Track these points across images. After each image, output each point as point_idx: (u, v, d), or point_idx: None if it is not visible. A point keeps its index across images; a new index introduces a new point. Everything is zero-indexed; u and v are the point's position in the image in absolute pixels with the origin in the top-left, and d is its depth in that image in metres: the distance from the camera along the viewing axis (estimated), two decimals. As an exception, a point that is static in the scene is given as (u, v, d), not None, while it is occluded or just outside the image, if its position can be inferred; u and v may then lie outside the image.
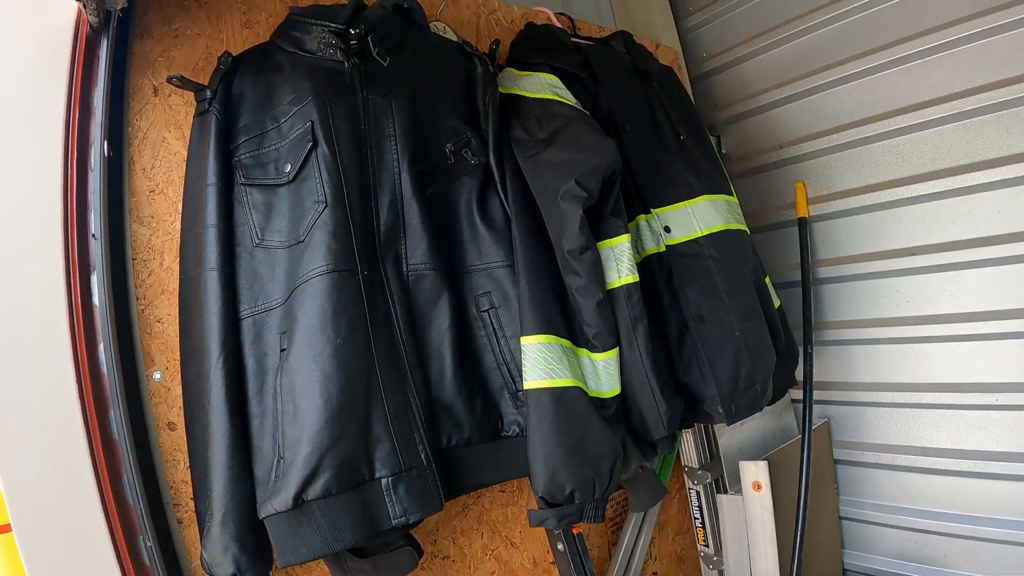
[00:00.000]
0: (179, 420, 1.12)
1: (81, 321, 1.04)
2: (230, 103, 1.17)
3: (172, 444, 1.12)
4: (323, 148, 1.10)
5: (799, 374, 1.90)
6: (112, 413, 1.04)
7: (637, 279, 1.26)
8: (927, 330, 1.95)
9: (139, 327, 1.13)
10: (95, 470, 1.01)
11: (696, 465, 1.88)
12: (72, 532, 0.99)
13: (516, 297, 1.20)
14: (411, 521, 1.04)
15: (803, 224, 2.06)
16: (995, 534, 1.87)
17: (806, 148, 2.11)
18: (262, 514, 1.01)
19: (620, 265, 1.24)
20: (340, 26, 1.19)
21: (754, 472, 1.78)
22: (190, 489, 1.10)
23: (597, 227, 1.25)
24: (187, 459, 1.11)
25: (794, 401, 2.22)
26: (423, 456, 1.07)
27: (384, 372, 1.06)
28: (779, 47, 2.15)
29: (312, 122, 1.11)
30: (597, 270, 1.21)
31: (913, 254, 1.94)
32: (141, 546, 1.04)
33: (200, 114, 1.17)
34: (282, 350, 1.05)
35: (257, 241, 1.11)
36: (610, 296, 1.24)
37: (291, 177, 1.11)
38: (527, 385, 1.15)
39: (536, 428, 1.14)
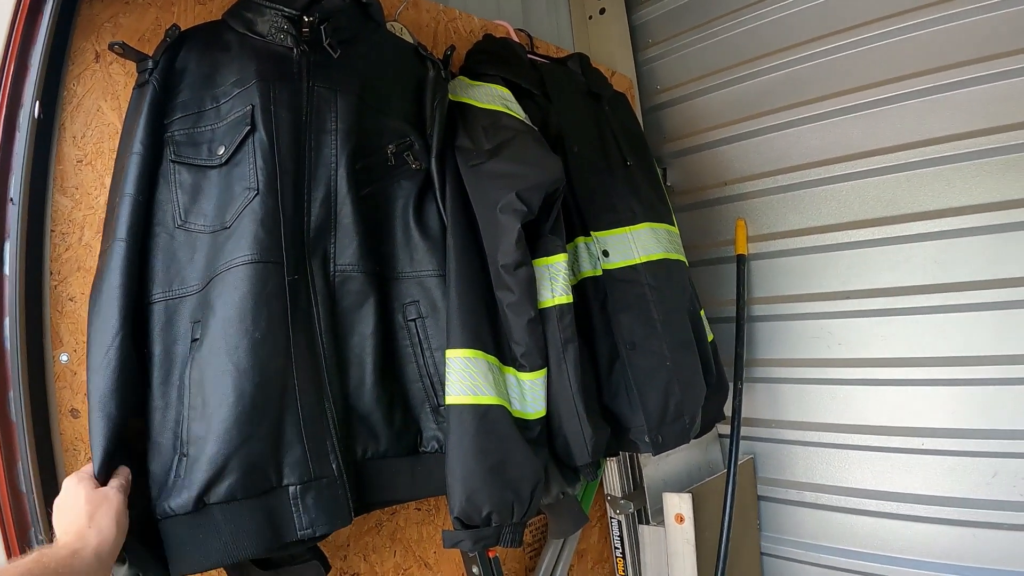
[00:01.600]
0: (83, 407, 1.05)
1: None
2: (171, 77, 1.11)
3: (74, 432, 1.05)
4: (260, 134, 1.05)
5: (727, 409, 1.91)
6: (12, 394, 0.97)
7: (571, 300, 1.24)
8: (856, 372, 1.98)
9: (49, 304, 1.06)
10: None
11: (619, 494, 1.86)
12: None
13: (445, 309, 1.16)
14: (318, 534, 0.99)
15: (742, 261, 2.09)
16: (915, 575, 1.90)
17: (750, 187, 2.14)
18: (157, 514, 0.94)
19: (555, 284, 1.22)
20: (294, 12, 1.15)
21: (677, 504, 1.77)
22: None
23: (534, 244, 1.23)
24: (87, 450, 1.03)
25: (721, 436, 2.23)
26: (334, 466, 1.01)
27: (301, 373, 1.00)
28: (732, 86, 2.19)
29: (253, 106, 1.06)
30: (531, 287, 1.19)
31: (848, 297, 1.99)
32: (32, 539, 0.97)
33: (139, 85, 1.11)
34: (194, 340, 0.99)
35: (179, 222, 1.05)
36: (542, 315, 1.22)
37: (223, 160, 1.06)
38: (449, 400, 1.11)
39: (456, 446, 1.10)
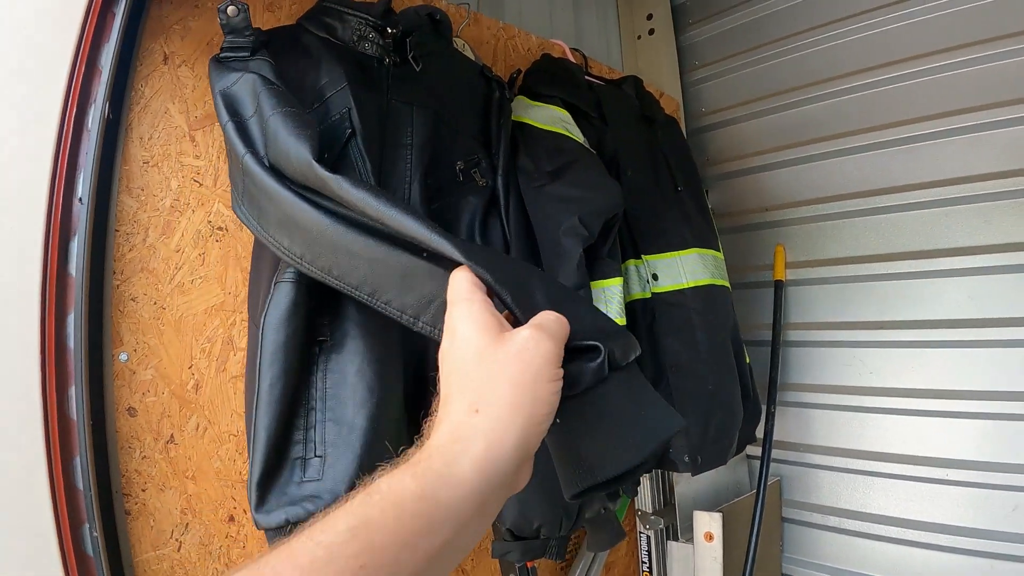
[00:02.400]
0: (140, 406, 1.08)
1: (54, 288, 0.98)
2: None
3: (130, 431, 1.07)
4: (359, 139, 1.06)
5: (759, 431, 1.93)
6: (73, 391, 0.98)
7: (624, 323, 1.28)
8: (886, 402, 2.00)
9: (112, 304, 1.07)
10: (48, 448, 0.96)
11: (650, 510, 1.89)
12: (15, 510, 0.93)
13: None
14: None
15: (779, 287, 2.11)
16: None
17: (790, 214, 2.17)
18: None
19: (610, 307, 1.26)
20: (378, 21, 1.16)
21: (708, 523, 1.80)
22: (142, 479, 1.06)
23: (591, 266, 1.26)
24: (143, 448, 1.07)
25: (749, 457, 2.26)
26: None
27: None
28: (777, 113, 2.21)
29: (349, 108, 1.06)
30: (589, 309, 1.22)
31: (882, 328, 2.01)
32: (86, 535, 0.98)
33: (229, 60, 1.04)
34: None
35: None
36: (596, 338, 1.25)
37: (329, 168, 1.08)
38: None
39: None
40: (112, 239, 1.08)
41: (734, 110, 2.31)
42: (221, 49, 1.05)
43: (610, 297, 1.26)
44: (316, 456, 0.96)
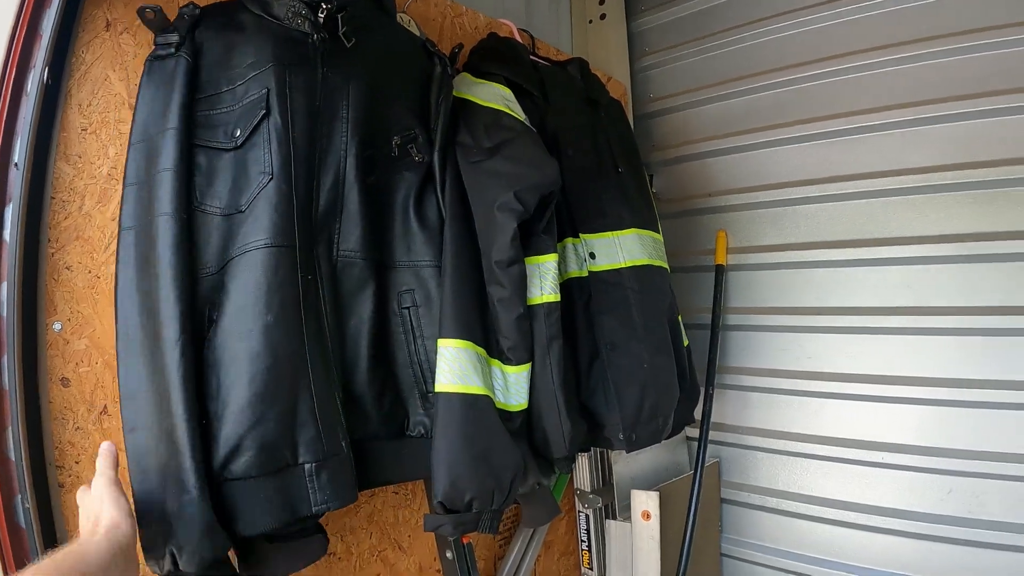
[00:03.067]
0: (73, 376, 1.06)
1: None
2: (195, 54, 1.11)
3: (63, 401, 1.05)
4: (276, 118, 1.07)
5: (698, 412, 1.97)
6: (5, 360, 0.97)
7: (558, 299, 1.29)
8: (824, 386, 2.07)
9: (46, 272, 1.05)
10: None
11: (588, 489, 1.92)
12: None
13: (439, 299, 1.20)
14: (330, 508, 1.02)
15: (720, 271, 2.15)
16: None
17: (733, 200, 2.21)
18: None
19: (544, 283, 1.27)
20: None
21: (645, 501, 1.83)
22: (76, 451, 1.04)
23: (527, 242, 1.27)
24: (76, 419, 1.05)
25: (688, 439, 2.30)
26: (344, 444, 1.05)
27: (313, 355, 1.03)
28: (723, 101, 2.25)
29: (268, 90, 1.08)
30: (521, 285, 1.23)
31: (820, 314, 2.07)
32: (18, 506, 0.97)
33: (160, 58, 1.10)
34: (210, 322, 1.01)
35: (196, 204, 1.06)
36: (530, 312, 1.26)
37: (239, 143, 1.07)
38: (439, 387, 1.15)
39: (443, 432, 1.14)
40: (48, 206, 1.06)
41: (681, 97, 2.34)
42: (154, 46, 1.09)
43: (544, 273, 1.28)
44: None
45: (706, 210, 2.28)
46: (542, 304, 1.27)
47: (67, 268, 1.07)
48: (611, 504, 1.96)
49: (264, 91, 1.08)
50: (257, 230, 1.02)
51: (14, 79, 1.00)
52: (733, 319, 2.21)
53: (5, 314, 0.98)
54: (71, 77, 1.09)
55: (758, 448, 2.23)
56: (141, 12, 1.09)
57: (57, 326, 1.05)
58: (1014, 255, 1.77)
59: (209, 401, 0.98)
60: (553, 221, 1.32)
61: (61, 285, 1.07)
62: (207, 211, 1.06)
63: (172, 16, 1.14)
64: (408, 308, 1.20)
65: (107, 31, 1.13)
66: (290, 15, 1.15)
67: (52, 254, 1.06)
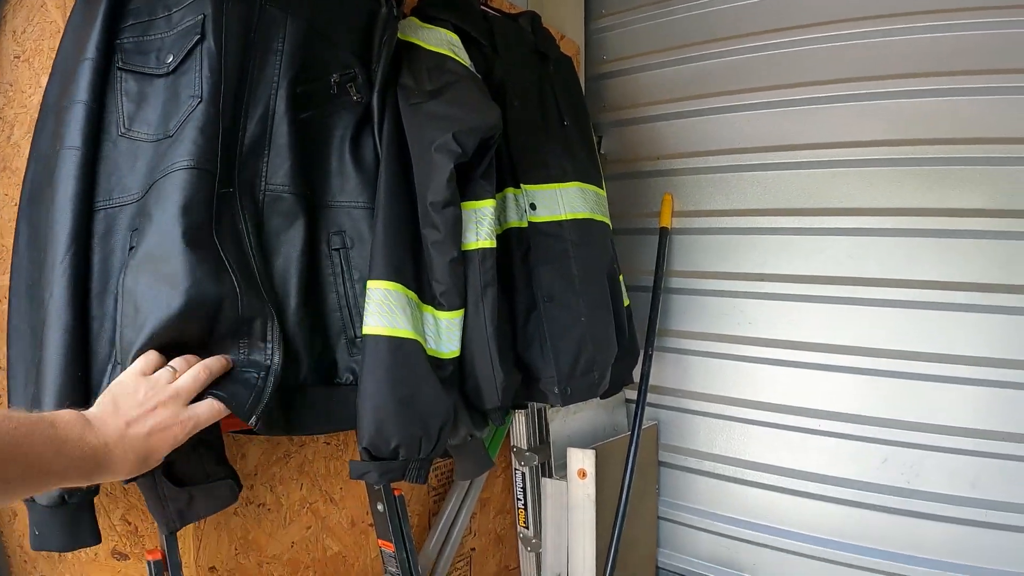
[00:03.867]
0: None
1: None
2: None
3: None
4: (209, 43, 1.03)
5: (636, 374, 1.99)
6: None
7: (494, 245, 1.27)
8: (763, 352, 2.11)
9: None
10: None
11: (525, 447, 1.92)
12: None
13: (369, 241, 1.17)
14: (255, 428, 0.98)
15: (664, 233, 2.17)
16: (803, 548, 2.05)
17: (681, 164, 2.22)
18: None
19: (480, 228, 1.25)
20: None
21: (581, 459, 1.85)
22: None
23: (464, 187, 1.24)
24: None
25: (628, 401, 2.33)
26: (272, 361, 1.01)
27: (240, 282, 0.99)
28: (677, 66, 2.25)
29: (204, 16, 1.04)
30: (456, 228, 1.21)
31: (762, 280, 2.10)
32: None
33: None
34: (130, 248, 0.97)
35: (123, 130, 1.02)
36: (465, 257, 1.24)
37: (171, 68, 1.03)
38: (366, 330, 1.12)
39: (369, 375, 1.12)
40: None
41: (635, 59, 2.33)
42: None
43: (481, 218, 1.25)
44: None
45: (654, 173, 2.28)
46: (477, 250, 1.25)
47: None
48: (548, 463, 1.97)
49: (200, 17, 1.04)
50: (181, 152, 0.98)
51: None
52: (676, 282, 2.23)
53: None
54: (6, 3, 1.06)
55: (697, 412, 2.27)
56: None
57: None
58: (957, 231, 1.82)
59: (126, 328, 0.94)
60: (492, 167, 1.30)
61: None
62: (135, 137, 1.02)
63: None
64: (339, 250, 1.16)
65: None
66: None
67: None
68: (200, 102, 1.01)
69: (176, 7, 1.06)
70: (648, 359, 2.07)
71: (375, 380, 1.11)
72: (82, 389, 0.94)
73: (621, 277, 1.72)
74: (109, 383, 0.92)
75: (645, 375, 2.07)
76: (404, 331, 1.13)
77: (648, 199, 2.29)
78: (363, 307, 1.15)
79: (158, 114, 1.03)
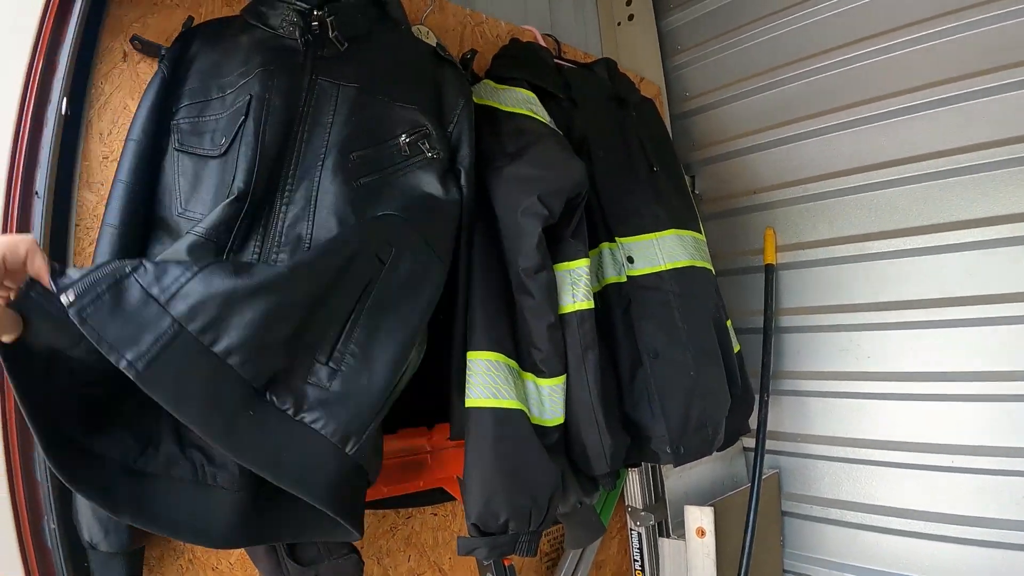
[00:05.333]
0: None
1: None
2: (181, 64, 1.13)
3: None
4: (250, 123, 1.05)
5: (753, 421, 1.87)
6: None
7: (592, 306, 1.22)
8: (885, 386, 1.94)
9: None
10: (5, 441, 0.96)
11: (640, 506, 1.83)
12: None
13: (462, 315, 1.15)
14: None
15: (770, 271, 2.05)
16: None
17: (779, 195, 2.11)
18: None
19: (576, 290, 1.20)
20: (305, 6, 1.15)
21: (699, 518, 1.74)
22: None
23: (556, 248, 1.21)
24: None
25: (746, 449, 2.19)
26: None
27: None
28: (761, 93, 2.16)
29: (251, 96, 1.06)
30: (551, 292, 1.17)
31: (878, 309, 1.94)
32: (45, 528, 0.99)
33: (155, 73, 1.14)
34: None
35: (180, 211, 1.06)
36: (562, 320, 1.20)
37: (222, 151, 1.06)
38: (470, 402, 1.09)
39: (475, 449, 1.08)
40: (72, 233, 1.10)
41: (717, 92, 2.25)
42: None
43: (576, 279, 1.21)
44: None
45: (752, 208, 2.17)
46: (575, 312, 1.20)
47: None
48: (664, 521, 1.87)
49: (247, 97, 1.06)
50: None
51: (33, 110, 1.03)
52: (786, 321, 2.10)
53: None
54: (91, 107, 1.14)
55: (819, 456, 2.10)
56: (132, 43, 1.15)
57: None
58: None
59: None
60: (583, 225, 1.26)
61: None
62: (191, 218, 1.05)
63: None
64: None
65: (124, 62, 1.18)
66: (284, 24, 1.15)
67: None
68: (233, 181, 1.03)
69: (230, 89, 1.10)
70: (764, 405, 1.95)
71: (481, 454, 1.08)
72: None
73: (729, 322, 1.63)
74: None
75: (762, 423, 1.94)
76: (509, 402, 1.10)
77: (749, 236, 2.18)
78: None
79: (211, 196, 1.05)
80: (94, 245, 1.06)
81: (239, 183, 1.02)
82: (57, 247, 1.06)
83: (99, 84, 1.14)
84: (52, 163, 1.03)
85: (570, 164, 1.23)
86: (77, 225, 1.10)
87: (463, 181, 1.18)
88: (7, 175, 0.99)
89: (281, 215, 1.06)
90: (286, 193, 1.07)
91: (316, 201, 1.07)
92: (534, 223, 1.14)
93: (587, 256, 1.23)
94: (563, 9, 2.16)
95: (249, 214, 1.02)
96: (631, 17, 2.33)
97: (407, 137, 1.16)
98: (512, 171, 1.21)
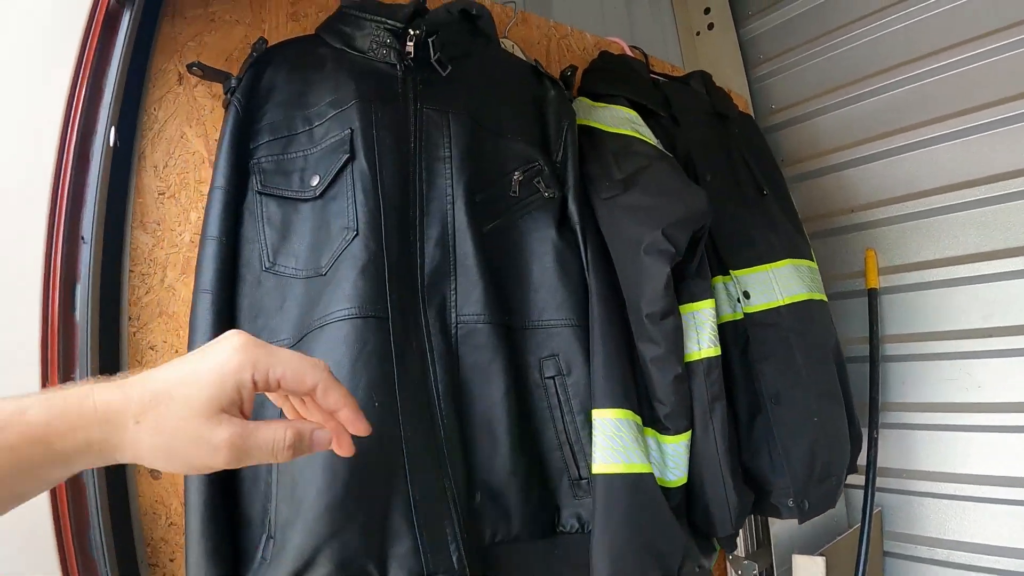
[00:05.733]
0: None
1: (57, 341, 0.85)
2: (256, 95, 1.00)
3: (154, 495, 0.93)
4: (361, 163, 0.92)
5: (862, 458, 1.72)
6: None
7: (719, 352, 1.09)
8: (998, 419, 1.77)
9: (128, 352, 0.95)
10: (55, 516, 0.82)
11: (743, 554, 1.69)
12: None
13: (584, 363, 1.00)
14: None
15: (873, 296, 1.89)
16: None
17: (880, 214, 1.94)
18: None
19: (701, 335, 1.08)
20: (398, 25, 1.02)
21: (809, 568, 1.60)
22: (169, 548, 0.93)
23: (678, 288, 1.08)
24: (169, 513, 0.94)
25: (847, 486, 2.03)
26: (455, 557, 0.84)
27: (413, 448, 0.84)
28: (856, 103, 2.00)
29: (352, 130, 0.94)
30: (678, 340, 1.04)
31: (990, 335, 1.77)
32: (91, 538, 0.85)
33: (225, 107, 1.01)
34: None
35: (267, 264, 0.93)
36: (687, 370, 1.07)
37: (318, 192, 0.93)
38: (597, 468, 0.95)
39: (605, 521, 0.94)
40: (127, 280, 0.96)
41: (807, 104, 2.09)
42: None
43: (701, 323, 1.08)
44: None
45: (849, 228, 2.01)
46: (701, 360, 1.07)
47: (151, 348, 0.97)
48: (769, 569, 1.72)
49: (347, 132, 0.94)
50: (339, 298, 0.86)
51: (77, 144, 0.89)
52: (890, 349, 1.94)
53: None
54: (143, 138, 1.01)
55: (924, 493, 1.93)
56: (190, 70, 1.01)
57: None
58: None
59: (282, 503, 0.82)
60: (706, 261, 1.13)
61: (146, 367, 0.93)
62: (281, 272, 0.93)
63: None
64: (553, 377, 1.00)
65: (180, 85, 1.05)
66: (374, 46, 1.02)
67: (134, 333, 0.96)
68: (356, 235, 0.89)
69: (318, 120, 0.97)
70: (873, 444, 1.79)
71: (613, 527, 0.94)
72: (223, 565, 0.84)
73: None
74: (262, 557, 0.83)
75: (872, 462, 1.78)
76: (640, 465, 0.97)
77: (848, 258, 2.02)
78: (584, 441, 0.98)
79: (306, 245, 0.93)
80: (191, 315, 0.92)
81: (367, 242, 0.89)
82: (109, 297, 0.93)
83: (152, 111, 1.02)
84: (100, 203, 0.90)
85: (692, 191, 1.10)
86: (132, 271, 0.96)
87: (575, 219, 1.06)
88: (48, 220, 0.86)
89: (420, 272, 0.93)
90: (422, 246, 0.94)
91: (455, 253, 0.95)
92: (660, 262, 1.01)
93: (712, 296, 1.10)
94: (641, 20, 2.04)
95: (400, 277, 0.90)
96: (711, 26, 2.19)
97: (520, 175, 1.04)
98: (626, 201, 1.09)
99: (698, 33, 2.22)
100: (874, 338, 1.85)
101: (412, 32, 1.00)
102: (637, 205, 1.08)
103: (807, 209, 2.08)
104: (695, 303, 1.09)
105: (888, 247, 1.94)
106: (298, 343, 0.88)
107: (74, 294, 0.88)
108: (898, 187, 1.92)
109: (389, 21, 1.02)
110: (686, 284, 1.09)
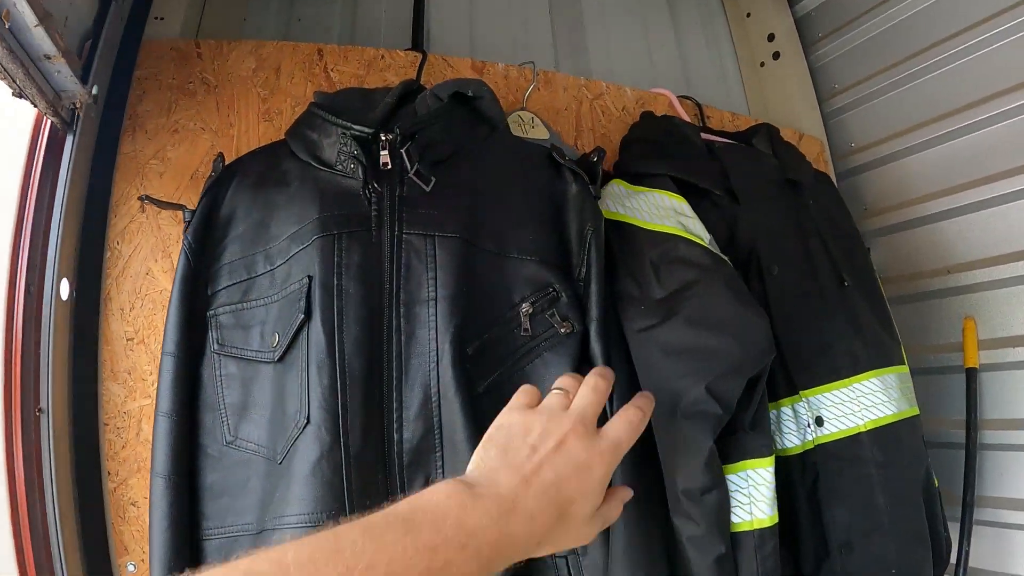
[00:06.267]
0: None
1: (28, 522, 0.79)
2: (213, 229, 0.86)
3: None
4: (317, 327, 0.76)
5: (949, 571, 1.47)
6: None
7: (776, 521, 0.88)
8: (1112, 521, 1.47)
9: (111, 510, 0.90)
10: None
11: None
12: None
13: (603, 542, 0.82)
14: None
15: (972, 376, 1.61)
16: None
17: (981, 276, 1.64)
18: None
19: (755, 502, 0.87)
20: (366, 130, 0.84)
21: None
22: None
23: (727, 443, 0.87)
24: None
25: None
26: None
27: None
28: (952, 140, 1.69)
29: (310, 279, 0.77)
30: (721, 517, 0.84)
31: (1108, 425, 1.47)
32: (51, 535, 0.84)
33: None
34: None
35: (228, 439, 0.80)
36: (734, 541, 0.87)
37: (277, 356, 0.78)
38: None
39: None
40: (103, 436, 0.91)
41: (893, 141, 1.80)
42: None
43: (756, 486, 0.87)
44: None
45: (944, 291, 1.72)
46: (752, 531, 0.86)
47: (133, 504, 0.91)
48: None
49: (304, 281, 0.77)
50: (292, 499, 0.72)
51: (24, 305, 0.79)
52: (989, 437, 1.66)
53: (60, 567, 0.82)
54: (108, 277, 0.93)
55: (1025, 602, 1.66)
56: (141, 201, 0.95)
57: (131, 567, 0.91)
58: None
59: None
60: (765, 407, 0.91)
61: (130, 523, 0.91)
62: (243, 448, 0.79)
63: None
64: (565, 557, 0.83)
65: (143, 213, 0.95)
66: (342, 158, 0.84)
67: (114, 489, 0.91)
68: (307, 423, 0.73)
69: (280, 260, 0.82)
70: (964, 557, 1.52)
71: None
72: None
73: (936, 481, 1.25)
74: None
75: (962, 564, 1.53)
76: None
77: (942, 327, 1.73)
78: None
79: (267, 419, 0.79)
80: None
81: (319, 432, 0.73)
82: (84, 459, 0.88)
83: (115, 245, 0.93)
84: (53, 368, 0.81)
85: (751, 322, 0.88)
86: (106, 425, 0.90)
87: (598, 362, 0.85)
88: (3, 395, 0.76)
89: (397, 451, 0.77)
90: (400, 419, 0.78)
91: (440, 426, 0.78)
92: (702, 429, 0.81)
93: (771, 454, 0.88)
94: (696, 57, 1.79)
95: (363, 469, 0.75)
96: (776, 55, 1.92)
97: (529, 306, 0.84)
98: (664, 336, 0.88)
99: (762, 64, 1.94)
100: (972, 430, 1.57)
101: (384, 138, 0.82)
102: (678, 345, 0.87)
103: (894, 269, 1.80)
104: (750, 460, 0.88)
105: (990, 316, 1.65)
106: (258, 535, 0.76)
107: (42, 470, 0.82)
108: (1003, 244, 1.61)
109: (355, 127, 0.84)
110: (738, 439, 0.88)
